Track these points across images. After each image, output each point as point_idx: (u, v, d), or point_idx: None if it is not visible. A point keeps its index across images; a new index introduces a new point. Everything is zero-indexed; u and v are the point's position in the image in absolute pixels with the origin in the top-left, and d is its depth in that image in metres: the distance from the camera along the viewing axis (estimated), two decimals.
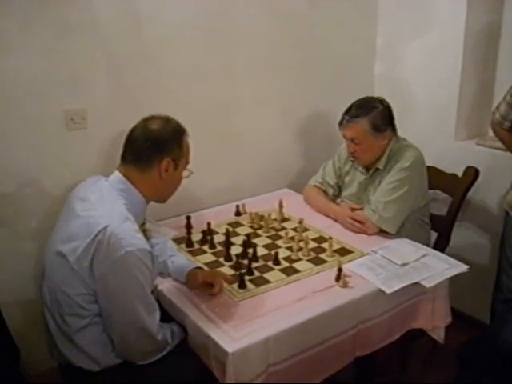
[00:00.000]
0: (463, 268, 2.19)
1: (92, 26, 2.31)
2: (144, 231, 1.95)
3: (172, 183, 1.95)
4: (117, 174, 1.88)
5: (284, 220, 2.59)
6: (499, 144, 2.73)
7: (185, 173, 1.98)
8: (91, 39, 2.32)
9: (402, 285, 2.04)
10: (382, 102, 2.50)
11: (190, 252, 2.31)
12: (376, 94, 2.98)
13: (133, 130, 1.91)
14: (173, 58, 2.57)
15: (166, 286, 2.05)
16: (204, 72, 2.68)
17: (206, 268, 2.15)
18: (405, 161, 2.44)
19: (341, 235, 2.43)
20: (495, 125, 2.64)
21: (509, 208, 2.55)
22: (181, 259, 2.12)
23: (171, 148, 1.87)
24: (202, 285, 1.98)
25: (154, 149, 1.84)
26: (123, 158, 1.91)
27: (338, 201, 2.67)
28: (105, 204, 1.80)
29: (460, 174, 2.75)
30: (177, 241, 2.38)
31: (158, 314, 1.82)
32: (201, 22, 2.60)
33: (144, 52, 2.48)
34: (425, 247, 2.36)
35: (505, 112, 2.53)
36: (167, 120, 1.93)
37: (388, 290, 2.01)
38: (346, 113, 2.49)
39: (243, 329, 1.79)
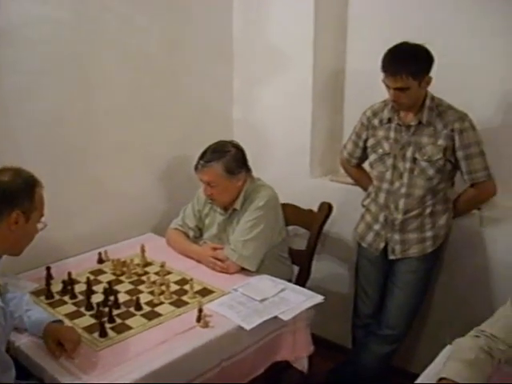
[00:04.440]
0: (319, 299, 2.30)
1: None
2: None
3: (24, 236, 1.89)
4: None
5: (147, 264, 2.60)
6: (350, 179, 2.93)
7: (39, 225, 1.95)
8: None
9: (260, 320, 2.11)
10: (234, 145, 2.61)
11: (50, 304, 2.25)
12: (235, 137, 3.11)
13: None
14: (31, 106, 2.51)
15: (23, 341, 1.98)
16: (64, 119, 2.65)
17: (65, 320, 2.11)
18: (259, 200, 2.55)
19: (203, 276, 2.47)
20: (344, 162, 2.85)
21: (359, 239, 2.73)
22: (38, 313, 2.04)
23: (21, 200, 1.83)
24: (56, 345, 1.92)
25: (2, 201, 1.81)
26: None
27: (201, 242, 2.73)
28: None
29: (316, 209, 2.89)
30: (37, 293, 2.31)
31: (13, 372, 1.76)
32: (60, 68, 2.59)
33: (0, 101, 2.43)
34: (283, 282, 2.44)
35: (351, 150, 2.74)
36: (18, 172, 1.89)
37: (248, 326, 2.07)
38: (201, 157, 2.57)
39: (105, 378, 1.77)
